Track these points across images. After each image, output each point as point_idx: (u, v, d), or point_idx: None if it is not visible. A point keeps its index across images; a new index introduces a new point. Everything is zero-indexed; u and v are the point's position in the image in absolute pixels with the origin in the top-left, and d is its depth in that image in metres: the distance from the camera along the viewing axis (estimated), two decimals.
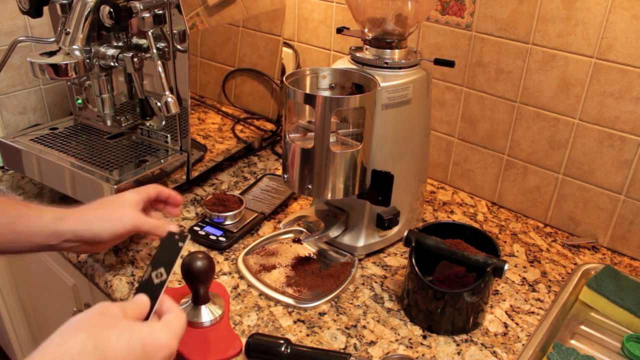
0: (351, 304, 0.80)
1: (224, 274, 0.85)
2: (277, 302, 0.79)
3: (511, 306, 0.81)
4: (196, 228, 0.92)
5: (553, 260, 0.92)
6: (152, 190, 0.78)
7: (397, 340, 0.74)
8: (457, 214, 1.05)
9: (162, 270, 0.57)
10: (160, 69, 0.89)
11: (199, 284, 0.71)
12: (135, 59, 0.88)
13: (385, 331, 0.76)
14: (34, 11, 0.89)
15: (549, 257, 0.93)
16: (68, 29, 0.86)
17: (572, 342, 0.78)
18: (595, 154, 0.93)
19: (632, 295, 0.81)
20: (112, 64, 0.90)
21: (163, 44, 0.92)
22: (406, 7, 0.82)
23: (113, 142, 1.06)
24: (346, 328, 0.76)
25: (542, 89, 0.95)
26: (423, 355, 0.72)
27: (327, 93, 0.85)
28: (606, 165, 0.92)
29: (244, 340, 0.70)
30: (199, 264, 0.69)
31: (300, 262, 0.87)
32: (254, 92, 1.17)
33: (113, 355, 0.46)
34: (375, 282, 0.85)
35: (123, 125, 1.03)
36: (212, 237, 0.90)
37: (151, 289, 0.56)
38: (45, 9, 0.91)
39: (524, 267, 0.90)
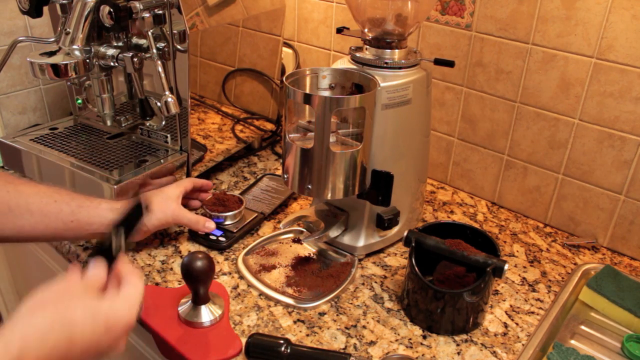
0: (351, 304, 0.80)
1: (224, 274, 0.85)
2: (277, 302, 0.79)
3: (511, 306, 0.81)
4: None
5: (553, 260, 0.92)
6: (189, 183, 0.91)
7: (397, 340, 0.74)
8: (457, 214, 1.05)
9: (122, 233, 0.59)
10: (160, 69, 0.89)
11: (198, 284, 0.71)
12: (135, 59, 0.88)
13: (385, 331, 0.76)
14: (34, 11, 0.89)
15: (549, 257, 0.93)
16: (68, 29, 0.87)
17: (572, 342, 0.78)
18: (595, 154, 0.93)
19: (632, 295, 0.81)
20: (112, 64, 0.90)
21: (163, 44, 0.92)
22: (406, 7, 0.82)
23: (113, 142, 1.06)
24: (346, 328, 0.76)
25: (542, 89, 0.95)
26: (423, 355, 0.72)
27: (327, 93, 0.85)
28: (606, 165, 0.92)
29: (243, 340, 0.70)
30: (199, 264, 0.69)
31: (300, 262, 0.87)
32: (253, 92, 1.17)
33: (79, 331, 0.49)
34: (375, 282, 0.85)
35: (123, 125, 1.03)
36: (212, 237, 0.90)
37: (110, 252, 0.58)
38: (45, 9, 0.91)
39: (524, 267, 0.90)
